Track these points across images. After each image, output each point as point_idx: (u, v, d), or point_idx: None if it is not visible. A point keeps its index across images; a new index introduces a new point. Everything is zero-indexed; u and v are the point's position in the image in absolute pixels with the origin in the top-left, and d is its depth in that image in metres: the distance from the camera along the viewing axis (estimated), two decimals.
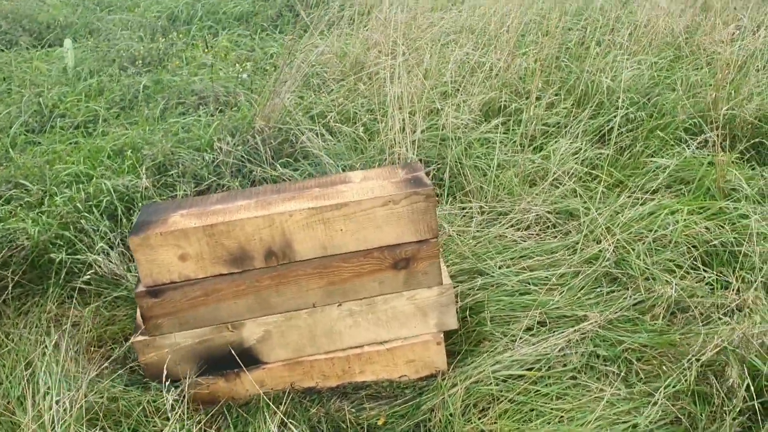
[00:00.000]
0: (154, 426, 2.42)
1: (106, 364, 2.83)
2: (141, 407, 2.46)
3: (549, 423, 2.42)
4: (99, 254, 3.19)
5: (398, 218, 2.51)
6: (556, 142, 3.89)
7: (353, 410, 2.61)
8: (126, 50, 5.74)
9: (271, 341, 2.64)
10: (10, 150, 4.10)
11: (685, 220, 3.17)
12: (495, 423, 2.44)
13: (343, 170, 3.76)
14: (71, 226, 3.26)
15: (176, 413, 2.38)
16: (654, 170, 3.67)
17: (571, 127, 4.00)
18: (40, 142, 4.36)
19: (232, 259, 2.50)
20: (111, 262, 3.17)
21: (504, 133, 3.96)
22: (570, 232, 3.39)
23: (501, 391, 2.55)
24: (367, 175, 2.69)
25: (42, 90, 5.01)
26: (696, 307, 2.83)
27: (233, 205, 2.56)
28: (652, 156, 3.81)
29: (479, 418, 2.47)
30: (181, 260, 2.48)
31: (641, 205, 3.34)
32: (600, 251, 3.18)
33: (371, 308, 2.65)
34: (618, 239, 3.17)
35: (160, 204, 2.67)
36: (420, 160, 3.78)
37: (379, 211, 2.49)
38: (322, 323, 2.64)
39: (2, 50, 6.25)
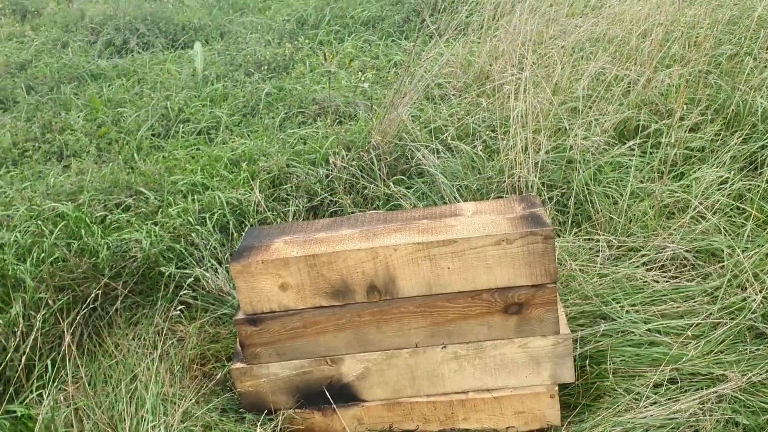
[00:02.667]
0: None
1: (206, 384, 2.80)
2: None
3: None
4: (207, 270, 3.17)
5: (512, 259, 2.29)
6: (699, 169, 3.49)
7: None
8: (252, 55, 5.80)
9: (370, 379, 2.49)
10: (136, 155, 4.19)
11: None
12: None
13: (459, 191, 3.56)
14: (182, 239, 3.26)
15: None
16: None
17: (718, 153, 3.58)
18: (163, 147, 4.45)
19: (333, 292, 2.37)
20: (218, 277, 3.14)
21: (640, 157, 3.60)
22: (710, 275, 3.02)
23: None
24: (480, 208, 2.47)
25: (170, 94, 5.13)
26: None
27: (337, 234, 2.43)
28: None
29: None
30: (281, 289, 2.38)
31: None
32: (745, 300, 2.79)
33: (478, 353, 2.44)
34: (767, 288, 2.78)
35: (265, 229, 2.58)
36: (543, 184, 3.51)
37: (491, 251, 2.28)
38: (424, 365, 2.47)
39: (140, 52, 6.51)
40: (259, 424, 2.44)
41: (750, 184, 3.42)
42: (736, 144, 3.61)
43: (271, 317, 2.43)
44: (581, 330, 2.79)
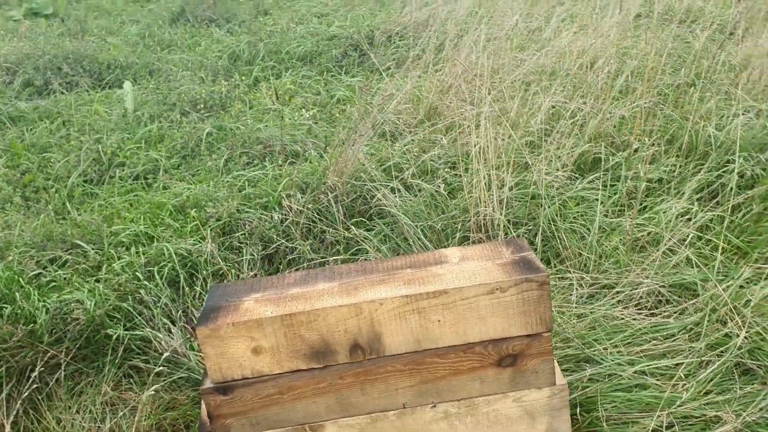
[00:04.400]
0: None
1: None
2: None
3: None
4: (159, 329, 2.89)
5: (505, 309, 2.14)
6: (662, 201, 3.47)
7: None
8: (187, 93, 5.54)
9: None
10: (68, 204, 3.87)
11: None
12: None
13: (423, 232, 3.41)
14: (130, 297, 2.97)
15: None
16: None
17: (677, 184, 3.57)
18: (98, 194, 4.13)
19: (313, 353, 2.16)
20: (172, 338, 2.87)
21: (602, 190, 3.55)
22: (687, 309, 2.96)
23: None
24: (466, 253, 2.32)
25: (101, 136, 4.81)
26: None
27: (314, 289, 2.22)
28: None
29: None
30: (254, 353, 2.15)
31: None
32: (727, 336, 2.74)
33: (470, 410, 2.26)
34: (749, 322, 2.73)
35: (230, 285, 2.35)
36: (509, 221, 3.40)
37: (483, 300, 2.13)
38: (412, 426, 2.27)
39: (62, 93, 6.13)
40: None
41: (712, 215, 3.41)
42: (693, 174, 3.61)
43: (244, 384, 2.19)
44: (567, 375, 2.66)
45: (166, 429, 2.69)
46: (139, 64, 6.73)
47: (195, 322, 2.72)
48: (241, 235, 3.38)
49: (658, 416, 2.44)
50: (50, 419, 2.66)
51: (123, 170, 4.35)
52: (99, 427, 2.60)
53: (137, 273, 3.07)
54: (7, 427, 2.43)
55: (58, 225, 3.58)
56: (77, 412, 2.72)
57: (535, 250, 3.36)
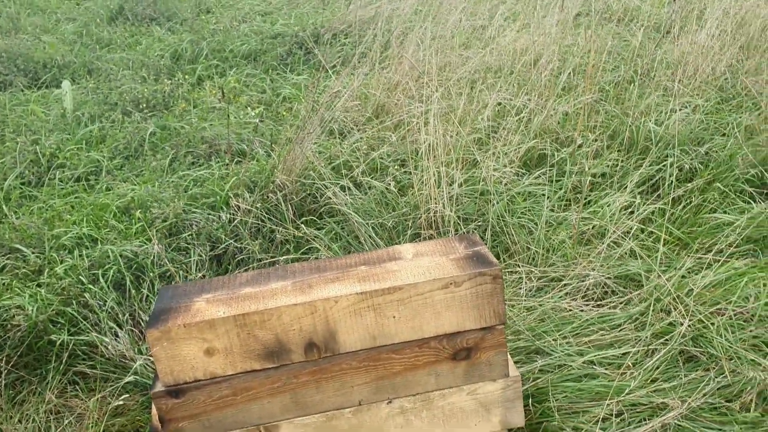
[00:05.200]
0: None
1: None
2: None
3: None
4: (105, 334, 2.81)
5: (460, 303, 2.16)
6: (606, 195, 3.55)
7: None
8: (129, 92, 5.40)
9: None
10: (4, 207, 3.73)
11: None
12: None
13: (374, 229, 3.41)
14: (74, 301, 2.88)
15: None
16: (719, 228, 3.32)
17: (619, 178, 3.66)
18: (37, 197, 4.00)
19: (267, 353, 2.14)
20: (119, 342, 2.79)
21: (548, 185, 3.61)
22: (632, 300, 3.03)
23: None
24: (419, 249, 2.33)
25: (39, 137, 4.65)
26: None
27: (267, 288, 2.20)
28: (713, 211, 3.46)
29: None
30: (206, 355, 2.11)
31: (713, 271, 2.99)
32: (672, 325, 2.82)
33: (426, 405, 2.27)
34: (692, 311, 2.82)
35: (180, 286, 2.30)
36: (459, 218, 3.43)
37: (438, 295, 2.14)
38: (368, 423, 2.27)
39: None
40: None
41: (654, 208, 3.51)
42: (633, 169, 3.71)
43: (196, 387, 2.15)
44: (519, 367, 2.70)
45: None
46: (77, 63, 6.53)
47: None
48: (189, 235, 3.32)
49: (608, 405, 2.49)
50: None
51: (63, 172, 4.21)
52: None
53: (81, 276, 2.98)
54: None
55: None
56: (19, 421, 2.62)
57: (485, 244, 3.39)
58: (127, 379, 2.75)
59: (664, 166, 3.72)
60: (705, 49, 4.71)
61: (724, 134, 4.05)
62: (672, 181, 3.55)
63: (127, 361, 2.80)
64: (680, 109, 4.16)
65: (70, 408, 2.70)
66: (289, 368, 2.17)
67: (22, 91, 6.01)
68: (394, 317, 2.14)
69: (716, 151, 3.84)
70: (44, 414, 2.65)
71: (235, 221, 3.42)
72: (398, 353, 2.19)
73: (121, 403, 2.70)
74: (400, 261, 2.26)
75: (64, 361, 2.78)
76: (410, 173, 3.58)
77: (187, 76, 5.93)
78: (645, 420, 2.48)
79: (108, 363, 2.81)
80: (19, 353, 2.76)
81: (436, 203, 3.39)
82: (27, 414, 2.65)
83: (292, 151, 3.61)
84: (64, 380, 2.78)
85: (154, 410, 2.28)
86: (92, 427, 2.61)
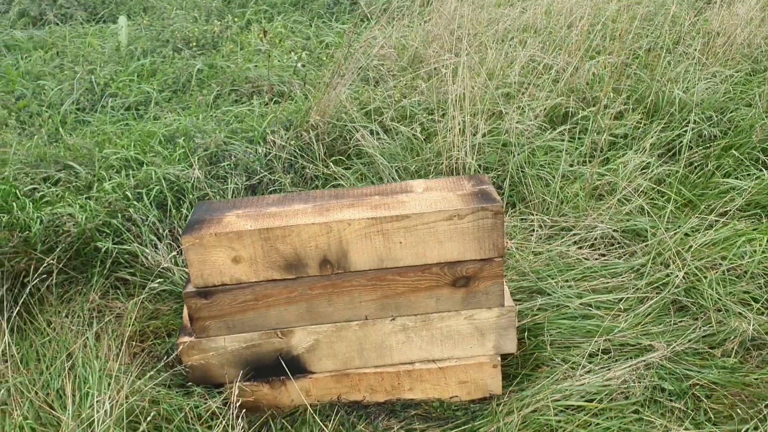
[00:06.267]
0: None
1: (148, 361, 2.76)
2: (183, 413, 2.36)
3: None
4: (146, 245, 3.11)
5: (462, 234, 2.37)
6: (624, 154, 3.69)
7: (402, 430, 2.48)
8: (180, 31, 5.66)
9: (320, 351, 2.53)
10: (61, 129, 4.04)
11: (763, 250, 2.96)
12: None
13: (398, 172, 3.62)
14: (119, 215, 3.18)
15: (220, 423, 2.28)
16: (728, 192, 3.45)
17: (639, 140, 3.79)
18: (90, 122, 4.30)
19: (286, 265, 2.39)
20: (158, 254, 3.08)
21: (569, 142, 3.77)
22: (636, 252, 3.21)
23: (560, 423, 2.40)
24: (430, 185, 2.54)
25: (94, 68, 4.95)
26: None
27: (290, 209, 2.44)
28: (726, 176, 3.59)
29: None
30: (234, 262, 2.38)
31: (714, 230, 3.14)
32: (668, 276, 2.99)
33: (426, 325, 2.51)
34: (688, 265, 2.98)
35: (214, 203, 2.56)
36: (479, 166, 3.62)
37: (442, 226, 2.35)
38: (372, 337, 2.52)
39: (57, 24, 6.22)
40: (209, 398, 2.43)
41: (669, 170, 3.65)
42: (655, 132, 3.83)
43: (223, 290, 2.42)
44: (519, 304, 2.91)
45: (149, 335, 2.92)
46: (134, 0, 6.81)
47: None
48: (227, 165, 3.58)
49: (596, 342, 2.69)
50: (41, 321, 2.88)
51: (115, 100, 4.51)
52: (86, 329, 2.82)
53: (127, 193, 3.27)
54: (3, 325, 2.64)
55: (52, 147, 3.76)
56: (66, 316, 2.94)
57: (503, 194, 3.58)
58: (163, 287, 3.04)
59: (684, 131, 3.83)
60: (744, 21, 4.74)
61: (749, 105, 4.12)
62: (690, 146, 3.67)
63: (164, 271, 3.09)
64: (711, 78, 4.24)
65: (111, 308, 3.01)
66: (305, 281, 2.42)
67: (81, 24, 6.31)
68: (400, 243, 2.37)
69: (739, 121, 3.93)
70: (88, 312, 2.96)
71: (270, 155, 3.66)
72: (403, 276, 2.43)
73: (156, 308, 3.00)
74: (411, 194, 2.48)
75: (107, 266, 3.08)
76: (437, 122, 3.76)
77: (236, 19, 6.15)
78: (630, 359, 2.67)
79: (147, 271, 3.11)
80: (68, 257, 3.07)
81: (458, 151, 3.58)
82: (73, 310, 2.97)
83: (327, 94, 3.82)
84: (107, 284, 3.09)
85: (185, 311, 2.56)
86: (130, 326, 2.91)
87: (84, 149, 3.64)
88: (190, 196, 3.35)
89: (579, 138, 3.84)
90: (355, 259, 2.39)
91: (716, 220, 3.21)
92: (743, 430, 2.30)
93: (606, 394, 2.51)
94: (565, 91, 4.08)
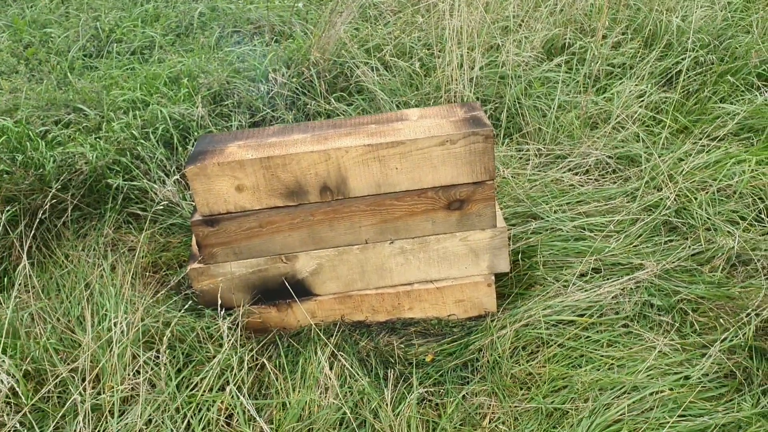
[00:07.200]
0: (207, 352, 2.47)
1: (161, 290, 2.91)
2: (195, 333, 2.51)
3: (598, 369, 2.41)
4: (155, 181, 3.23)
5: (455, 158, 2.47)
6: (621, 83, 3.74)
7: (402, 345, 2.63)
8: None
9: (323, 274, 2.66)
10: (69, 74, 4.13)
11: (752, 170, 3.04)
12: (543, 367, 2.43)
13: (398, 107, 3.70)
14: (128, 153, 3.30)
15: (230, 340, 2.43)
16: (722, 117, 3.51)
17: (636, 69, 3.84)
18: (97, 67, 4.39)
19: (288, 193, 2.50)
20: (166, 189, 3.21)
21: (566, 73, 3.82)
22: (630, 178, 3.30)
23: (551, 336, 2.53)
24: (424, 113, 2.63)
25: (99, 14, 5.01)
26: (759, 261, 2.74)
27: (290, 139, 2.54)
28: (721, 102, 3.64)
29: (527, 361, 2.47)
30: (237, 191, 2.49)
31: (707, 153, 3.22)
32: (660, 199, 3.09)
33: (423, 247, 2.63)
34: (680, 187, 3.07)
35: (217, 135, 2.66)
36: (477, 98, 3.69)
37: (436, 151, 2.45)
38: (373, 259, 2.65)
39: None
40: (219, 319, 2.58)
41: (665, 97, 3.70)
42: (652, 61, 3.87)
43: (228, 218, 2.54)
44: (514, 228, 3.02)
45: (162, 266, 3.07)
46: None
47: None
48: (231, 103, 3.67)
49: (588, 261, 2.81)
50: (59, 254, 3.03)
51: (120, 46, 4.58)
52: (102, 261, 2.97)
53: (134, 132, 3.38)
54: (24, 258, 2.78)
55: (61, 92, 3.86)
56: (82, 249, 3.09)
57: (500, 125, 3.66)
58: (172, 221, 3.18)
59: (682, 59, 3.87)
60: None
61: (748, 32, 4.14)
62: (686, 73, 3.71)
63: (173, 206, 3.23)
64: (709, 6, 4.25)
65: (124, 242, 3.15)
66: (306, 207, 2.54)
67: None
68: (396, 168, 2.47)
69: (735, 47, 3.96)
70: (102, 245, 3.10)
71: (272, 93, 3.75)
72: (400, 200, 2.54)
73: (167, 240, 3.14)
74: (406, 122, 2.57)
75: (119, 202, 3.22)
76: (435, 57, 3.82)
77: None
78: (621, 277, 2.79)
79: (157, 207, 3.24)
80: (82, 194, 3.20)
81: (457, 84, 3.64)
82: (89, 244, 3.11)
83: (326, 32, 3.88)
84: (119, 219, 3.23)
85: (193, 240, 2.69)
86: (143, 258, 3.06)
87: (92, 92, 3.74)
88: (195, 133, 3.45)
89: (576, 69, 3.89)
90: (353, 186, 2.50)
91: (709, 144, 3.29)
92: (725, 337, 2.43)
93: (596, 310, 2.64)
94: (563, 23, 4.11)
